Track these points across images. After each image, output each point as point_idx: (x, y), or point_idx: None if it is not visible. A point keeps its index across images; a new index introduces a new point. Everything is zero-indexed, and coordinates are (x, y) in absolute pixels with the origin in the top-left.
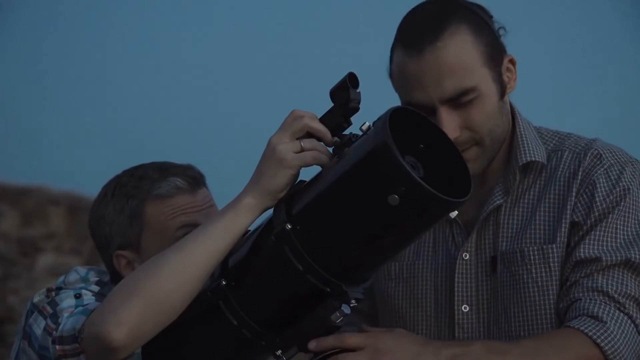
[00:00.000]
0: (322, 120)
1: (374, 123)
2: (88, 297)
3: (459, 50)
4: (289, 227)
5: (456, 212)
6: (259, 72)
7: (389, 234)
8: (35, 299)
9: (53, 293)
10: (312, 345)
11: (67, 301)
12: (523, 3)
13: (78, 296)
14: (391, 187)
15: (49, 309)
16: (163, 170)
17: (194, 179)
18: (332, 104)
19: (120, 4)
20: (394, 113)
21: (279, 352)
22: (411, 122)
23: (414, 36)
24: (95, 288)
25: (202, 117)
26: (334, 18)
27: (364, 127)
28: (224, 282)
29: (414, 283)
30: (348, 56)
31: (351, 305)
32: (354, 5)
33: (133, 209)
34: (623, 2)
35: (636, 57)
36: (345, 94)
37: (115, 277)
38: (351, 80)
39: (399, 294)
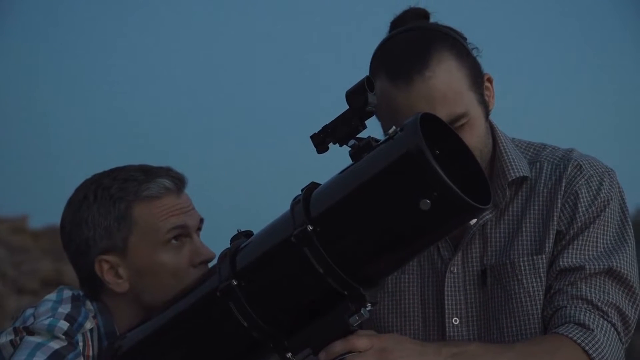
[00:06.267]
0: (338, 122)
1: (401, 128)
2: None
3: (448, 78)
4: (310, 228)
5: (475, 220)
6: (257, 73)
7: (416, 238)
8: (1, 340)
9: (18, 339)
10: (322, 356)
11: None
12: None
13: None
14: (424, 191)
15: None
16: (147, 171)
17: (180, 180)
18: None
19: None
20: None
21: (289, 354)
22: (430, 128)
23: (399, 66)
24: (64, 325)
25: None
26: (333, 18)
27: (390, 131)
28: (234, 282)
29: (399, 297)
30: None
31: (368, 309)
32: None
33: (121, 211)
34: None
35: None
36: (363, 97)
37: (92, 284)
38: (369, 84)
39: (385, 308)
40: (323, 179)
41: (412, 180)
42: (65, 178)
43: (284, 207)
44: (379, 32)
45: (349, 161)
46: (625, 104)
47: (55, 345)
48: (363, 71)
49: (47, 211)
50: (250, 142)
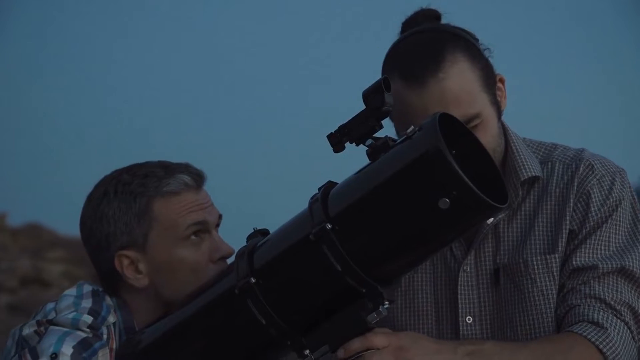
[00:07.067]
0: (355, 122)
1: (419, 128)
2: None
3: (461, 79)
4: (329, 227)
5: (492, 219)
6: (256, 74)
7: (434, 236)
8: (25, 332)
9: (43, 329)
10: (341, 352)
11: None
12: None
13: (54, 357)
14: (444, 190)
15: (28, 357)
16: (167, 167)
17: (199, 176)
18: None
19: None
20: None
21: (307, 352)
22: (446, 128)
23: (413, 68)
24: (88, 319)
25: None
26: (335, 19)
27: (409, 131)
28: (252, 280)
29: (413, 296)
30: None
31: (385, 306)
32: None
33: (141, 207)
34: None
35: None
36: (380, 97)
37: (112, 279)
38: (386, 84)
39: (399, 307)
40: (330, 177)
41: (432, 179)
42: (45, 176)
43: (292, 205)
44: (387, 29)
45: (359, 161)
46: (630, 104)
47: (82, 334)
48: (368, 68)
49: (26, 209)
50: (258, 140)
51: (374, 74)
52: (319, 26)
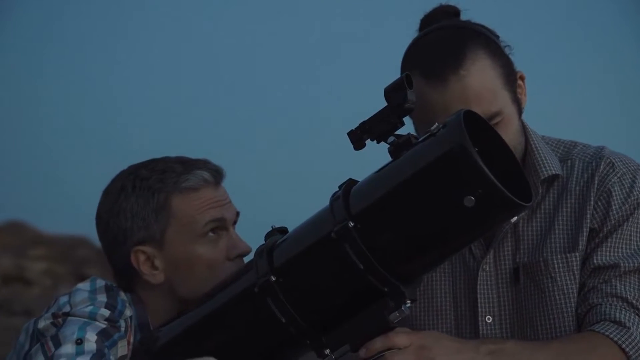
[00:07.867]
0: (376, 119)
1: (443, 125)
2: (89, 345)
3: (482, 77)
4: (351, 225)
5: (516, 217)
6: (256, 74)
7: (458, 235)
8: (41, 325)
9: (60, 320)
10: (362, 352)
11: (66, 347)
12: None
13: (79, 342)
14: (469, 189)
15: (51, 345)
16: (185, 163)
17: (218, 172)
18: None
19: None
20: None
21: (327, 351)
22: (469, 126)
23: (434, 65)
24: (106, 312)
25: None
26: (335, 19)
27: (432, 128)
28: (272, 279)
29: (432, 295)
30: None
31: (407, 305)
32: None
33: (160, 202)
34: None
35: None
36: (402, 94)
37: (127, 275)
38: (408, 81)
39: (417, 306)
40: (346, 175)
41: (457, 177)
42: (28, 175)
43: (310, 204)
44: (386, 29)
45: (377, 159)
46: (630, 104)
47: (102, 325)
48: (370, 68)
49: (7, 207)
50: (273, 138)
51: (377, 73)
52: (320, 26)
